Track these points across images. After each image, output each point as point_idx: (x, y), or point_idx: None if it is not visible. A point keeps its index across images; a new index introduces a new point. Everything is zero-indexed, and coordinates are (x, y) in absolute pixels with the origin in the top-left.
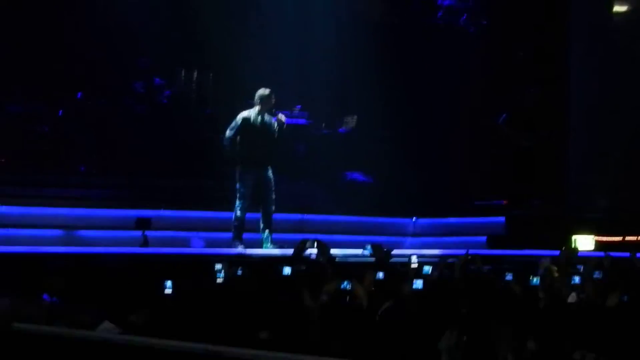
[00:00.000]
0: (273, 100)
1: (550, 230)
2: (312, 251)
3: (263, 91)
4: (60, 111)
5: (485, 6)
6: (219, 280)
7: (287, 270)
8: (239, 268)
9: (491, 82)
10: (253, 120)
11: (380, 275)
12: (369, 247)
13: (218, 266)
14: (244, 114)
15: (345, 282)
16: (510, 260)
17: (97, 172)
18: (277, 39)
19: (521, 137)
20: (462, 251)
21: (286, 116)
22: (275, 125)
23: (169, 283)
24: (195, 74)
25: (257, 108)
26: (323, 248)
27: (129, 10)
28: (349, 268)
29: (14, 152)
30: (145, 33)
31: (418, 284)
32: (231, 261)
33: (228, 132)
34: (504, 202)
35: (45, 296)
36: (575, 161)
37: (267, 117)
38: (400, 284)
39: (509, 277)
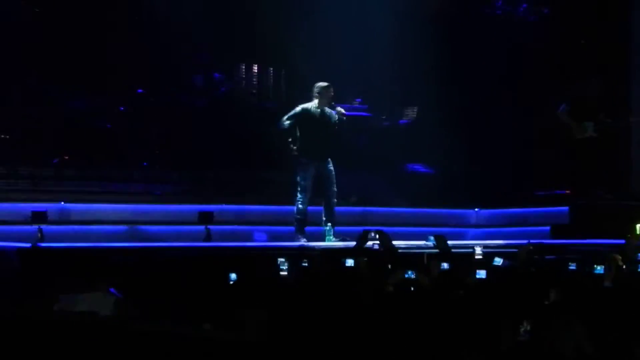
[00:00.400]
0: (332, 93)
1: (614, 219)
2: (374, 242)
3: (321, 84)
4: (122, 107)
5: None
6: (283, 273)
7: (349, 261)
8: (304, 260)
9: (553, 72)
10: (313, 112)
11: (445, 265)
12: (432, 238)
13: (281, 259)
14: (304, 105)
15: (409, 272)
16: (574, 249)
17: (159, 166)
18: (336, 33)
19: (583, 127)
20: (525, 241)
21: (346, 109)
22: (336, 117)
23: (233, 275)
24: (255, 69)
25: (316, 101)
26: (384, 239)
27: (187, 4)
28: (412, 258)
29: (77, 148)
30: (205, 27)
31: (482, 274)
32: (294, 254)
33: (284, 118)
34: (567, 191)
35: (112, 290)
36: (638, 149)
37: (326, 110)
38: (464, 274)
39: (572, 266)
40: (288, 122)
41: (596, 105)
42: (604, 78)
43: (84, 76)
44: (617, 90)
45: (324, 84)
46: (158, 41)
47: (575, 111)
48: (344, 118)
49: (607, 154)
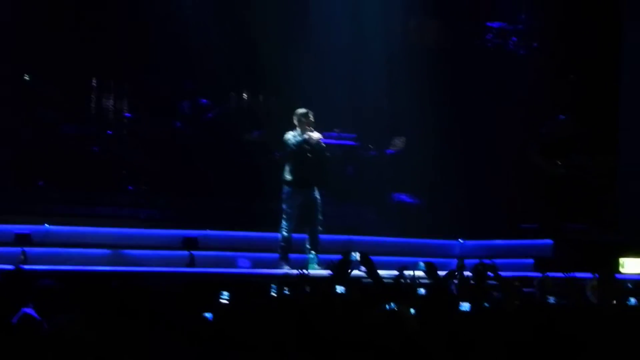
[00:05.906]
0: (311, 119)
1: (598, 253)
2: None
3: (299, 111)
4: (110, 131)
5: (536, 29)
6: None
7: (340, 289)
8: (285, 288)
9: (538, 106)
10: (296, 140)
11: (422, 291)
12: (422, 264)
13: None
14: (289, 133)
15: (391, 303)
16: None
17: (145, 191)
18: (329, 63)
19: (554, 164)
20: (510, 273)
21: (334, 137)
22: (316, 143)
23: (225, 293)
24: (245, 97)
25: (298, 129)
26: (369, 264)
27: (180, 32)
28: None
29: (65, 171)
30: (197, 54)
31: (465, 306)
32: (280, 281)
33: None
34: (546, 225)
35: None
36: (625, 184)
37: (309, 136)
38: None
39: (551, 300)
40: (284, 153)
41: (566, 143)
42: (592, 111)
43: (75, 101)
44: (605, 123)
45: (302, 110)
46: (149, 66)
47: (544, 149)
48: (323, 145)
49: (594, 188)
